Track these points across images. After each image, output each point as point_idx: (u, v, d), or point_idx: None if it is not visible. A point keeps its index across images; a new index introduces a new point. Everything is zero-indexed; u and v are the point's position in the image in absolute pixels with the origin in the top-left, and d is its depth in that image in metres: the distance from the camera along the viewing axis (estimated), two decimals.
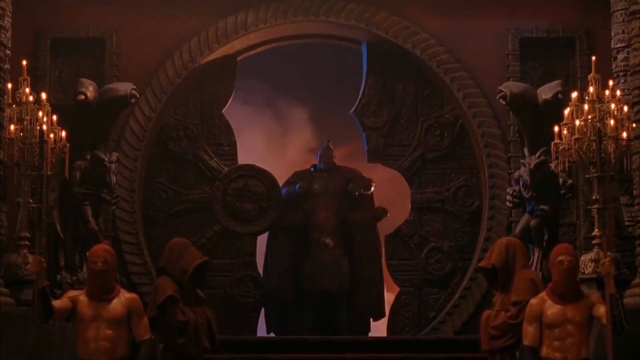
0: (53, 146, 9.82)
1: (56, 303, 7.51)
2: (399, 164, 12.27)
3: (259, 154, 13.55)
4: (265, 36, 12.33)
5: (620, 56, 10.58)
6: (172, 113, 12.18)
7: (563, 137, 9.94)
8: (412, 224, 12.22)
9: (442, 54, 12.01)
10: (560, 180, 10.86)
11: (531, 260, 10.58)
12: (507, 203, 11.48)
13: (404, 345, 10.81)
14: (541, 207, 10.88)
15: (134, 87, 11.16)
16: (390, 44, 12.07)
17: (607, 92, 9.90)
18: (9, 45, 10.09)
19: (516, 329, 7.70)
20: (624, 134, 9.77)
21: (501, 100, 11.21)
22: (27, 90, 9.82)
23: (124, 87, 11.13)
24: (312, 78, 14.00)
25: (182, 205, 12.13)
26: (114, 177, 11.09)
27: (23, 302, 9.51)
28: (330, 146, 12.45)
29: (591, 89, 9.84)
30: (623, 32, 10.46)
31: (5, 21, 10.05)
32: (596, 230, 9.80)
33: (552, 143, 10.06)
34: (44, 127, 9.49)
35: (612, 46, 10.69)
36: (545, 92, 11.03)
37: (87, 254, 7.96)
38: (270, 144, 14.49)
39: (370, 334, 12.13)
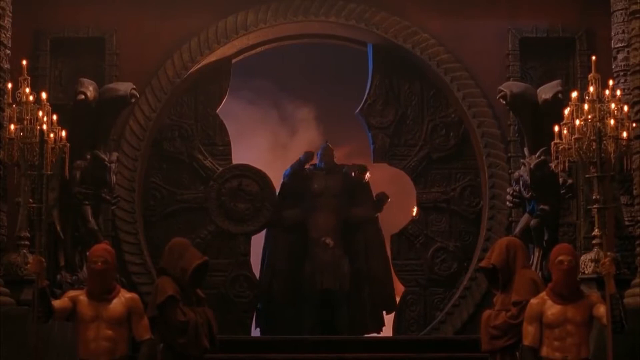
0: (53, 146, 9.81)
1: (56, 303, 7.51)
2: (405, 164, 12.26)
3: (263, 154, 13.55)
4: (266, 36, 12.32)
5: (620, 56, 10.57)
6: (167, 113, 12.18)
7: (563, 137, 9.92)
8: (418, 224, 12.22)
9: (442, 54, 12.00)
10: (560, 180, 10.85)
11: (531, 260, 10.58)
12: (507, 203, 11.47)
13: (404, 345, 10.83)
14: (541, 207, 10.88)
15: (134, 87, 11.15)
16: (390, 44, 12.07)
17: (607, 91, 9.89)
18: (9, 45, 10.09)
19: (516, 329, 7.70)
20: (624, 134, 9.76)
21: (501, 100, 11.21)
22: (27, 90, 9.81)
23: (124, 87, 11.12)
24: (316, 78, 14.00)
25: (176, 205, 12.11)
26: (114, 177, 11.08)
27: (23, 302, 9.50)
28: (330, 146, 12.46)
29: (591, 89, 9.83)
30: (623, 32, 10.45)
31: (5, 21, 10.04)
32: (596, 230, 9.78)
33: (552, 143, 10.05)
34: (44, 126, 9.47)
35: (612, 46, 10.67)
36: (545, 92, 11.02)
37: (87, 253, 7.98)
38: (275, 145, 14.48)
39: (384, 328, 12.21)
